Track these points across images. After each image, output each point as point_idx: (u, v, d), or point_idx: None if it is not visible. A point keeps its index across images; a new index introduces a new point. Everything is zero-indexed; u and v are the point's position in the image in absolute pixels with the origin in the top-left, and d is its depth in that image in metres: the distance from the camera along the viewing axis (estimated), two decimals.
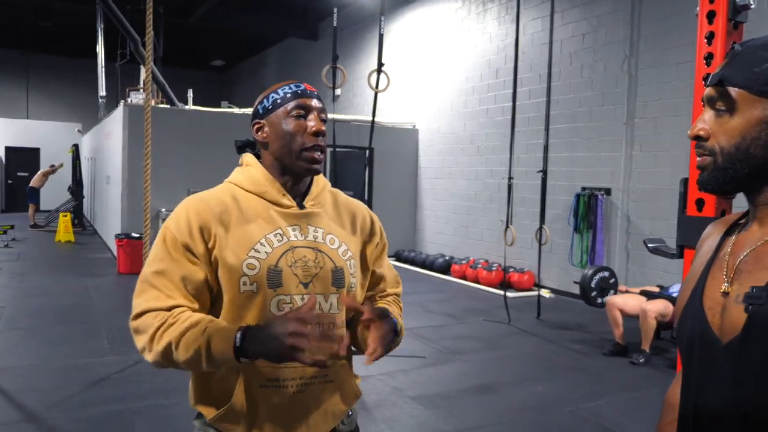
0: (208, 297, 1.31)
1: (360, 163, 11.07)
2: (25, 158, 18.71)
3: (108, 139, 11.51)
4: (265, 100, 1.40)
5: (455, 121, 10.26)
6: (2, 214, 17.52)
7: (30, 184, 14.56)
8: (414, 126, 11.34)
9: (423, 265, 10.12)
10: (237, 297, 1.28)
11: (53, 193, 16.27)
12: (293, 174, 1.38)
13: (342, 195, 1.53)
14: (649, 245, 3.60)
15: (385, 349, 1.30)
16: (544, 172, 6.81)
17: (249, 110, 10.42)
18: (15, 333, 5.46)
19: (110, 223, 10.89)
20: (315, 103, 1.39)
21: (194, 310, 1.28)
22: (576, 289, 6.35)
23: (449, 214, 10.44)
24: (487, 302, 7.53)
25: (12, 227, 11.84)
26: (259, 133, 1.40)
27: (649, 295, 5.30)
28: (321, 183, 1.47)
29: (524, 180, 8.59)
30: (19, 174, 18.55)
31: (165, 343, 1.22)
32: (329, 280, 1.34)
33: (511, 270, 8.53)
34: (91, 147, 15.41)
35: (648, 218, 7.03)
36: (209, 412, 1.32)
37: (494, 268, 8.64)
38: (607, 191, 7.51)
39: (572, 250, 7.83)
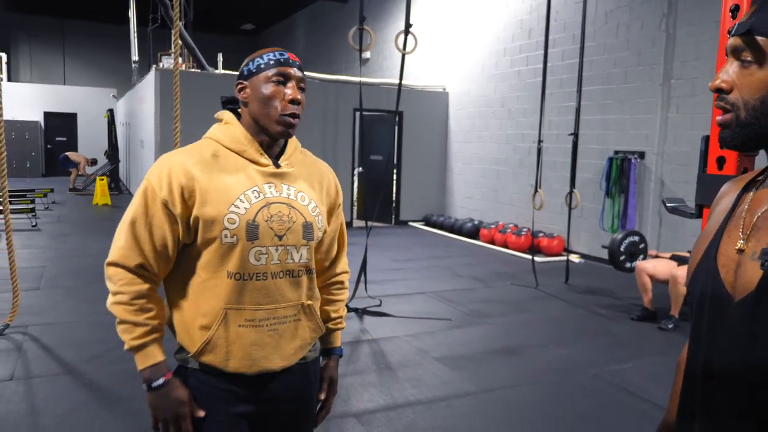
0: (174, 251, 1.44)
1: (389, 127, 11.02)
2: (62, 123, 19.11)
3: (141, 104, 11.67)
4: (250, 63, 1.49)
5: (486, 84, 10.09)
6: (42, 177, 18.01)
7: (66, 154, 14.83)
8: (444, 89, 11.20)
9: (452, 230, 10.12)
10: (219, 248, 1.40)
11: (93, 156, 16.60)
12: (269, 136, 1.49)
13: (310, 155, 1.65)
14: (668, 204, 3.52)
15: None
16: (576, 135, 6.69)
17: None
18: (55, 291, 5.67)
19: None
20: (295, 72, 1.47)
21: (153, 268, 1.43)
22: (606, 255, 6.30)
23: (478, 178, 10.37)
24: (515, 266, 7.52)
25: (51, 190, 12.17)
26: (242, 93, 1.50)
27: (680, 260, 5.22)
28: (294, 144, 1.59)
29: (555, 143, 8.45)
30: (57, 139, 18.98)
31: (114, 311, 1.43)
32: (300, 233, 1.47)
33: (541, 235, 8.48)
34: (125, 112, 15.64)
35: (682, 182, 6.87)
36: (192, 347, 1.45)
37: (523, 233, 8.59)
38: (641, 155, 7.35)
39: (603, 215, 7.72)
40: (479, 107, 10.30)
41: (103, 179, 12.80)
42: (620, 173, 7.54)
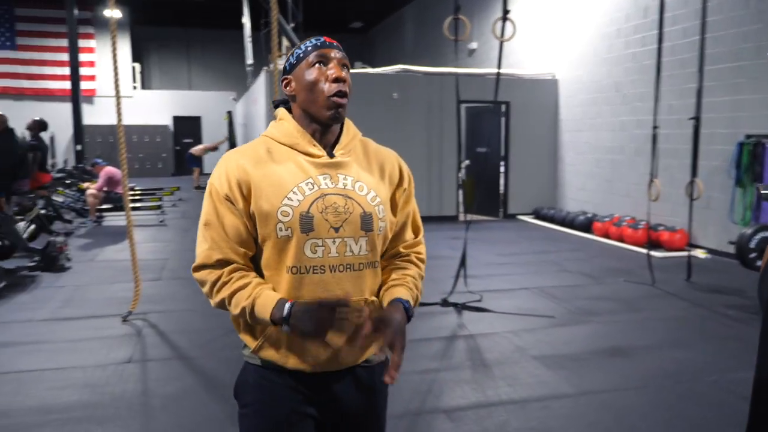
0: (252, 242, 1.44)
1: (496, 117, 10.76)
2: (188, 126, 20.53)
3: (255, 105, 12.24)
4: (291, 57, 1.49)
5: (598, 69, 9.56)
6: (172, 177, 19.44)
7: (190, 151, 15.94)
8: (553, 76, 10.74)
9: (563, 223, 9.71)
10: (276, 242, 1.40)
11: (215, 157, 17.72)
12: (320, 123, 1.46)
13: (372, 144, 1.59)
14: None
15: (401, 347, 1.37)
16: (697, 119, 6.14)
17: (383, 70, 10.51)
18: (175, 282, 6.08)
19: None
20: (335, 53, 1.46)
21: (239, 261, 1.43)
22: (734, 250, 5.76)
23: (592, 168, 9.86)
24: (630, 262, 7.07)
25: (178, 188, 13.10)
26: (287, 88, 1.50)
27: None
28: (351, 132, 1.54)
29: (677, 129, 7.84)
30: (184, 141, 20.42)
31: (220, 299, 1.41)
32: (358, 224, 1.43)
33: (661, 228, 7.90)
34: (243, 113, 16.49)
35: None
36: (252, 342, 1.46)
37: (641, 226, 8.06)
38: None
39: (733, 206, 7.06)
40: (591, 93, 9.78)
41: None
42: (752, 159, 6.85)
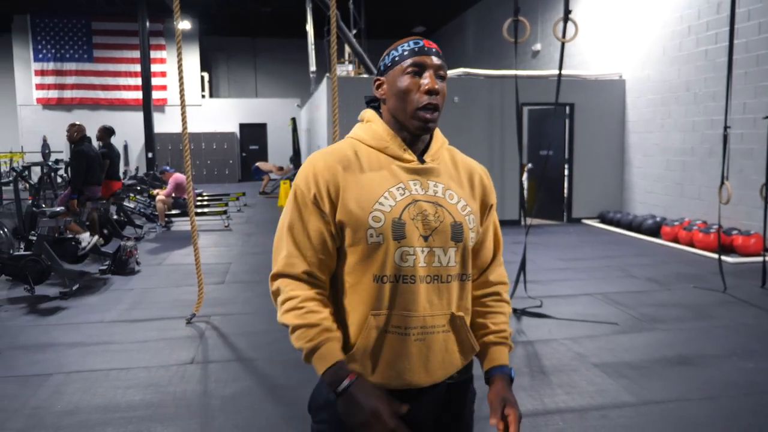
0: (335, 251, 1.38)
1: (560, 119, 10.53)
2: (254, 133, 21.10)
3: (317, 111, 12.46)
4: (386, 57, 1.43)
5: (668, 68, 9.20)
6: (238, 183, 20.01)
7: (257, 164, 16.36)
8: (620, 76, 10.41)
9: (629, 227, 9.39)
10: (365, 248, 1.33)
11: (280, 163, 18.16)
12: (408, 131, 1.41)
13: (458, 153, 1.53)
14: None
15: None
16: None
17: (448, 73, 10.46)
18: (237, 286, 6.26)
19: None
20: (432, 60, 1.38)
21: (319, 276, 1.39)
22: None
23: (661, 171, 9.48)
24: (700, 268, 6.75)
25: (244, 194, 13.47)
26: (379, 89, 1.44)
27: None
28: (440, 139, 1.48)
29: (752, 129, 7.45)
30: (250, 147, 20.98)
31: (285, 321, 1.36)
32: (448, 234, 1.36)
33: (735, 232, 7.52)
34: (307, 119, 16.82)
35: None
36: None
37: (713, 230, 7.68)
38: None
39: None
40: (661, 93, 9.42)
41: (287, 183, 13.87)
42: None
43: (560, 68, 5.32)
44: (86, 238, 6.58)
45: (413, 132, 1.39)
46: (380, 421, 1.25)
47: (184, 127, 5.02)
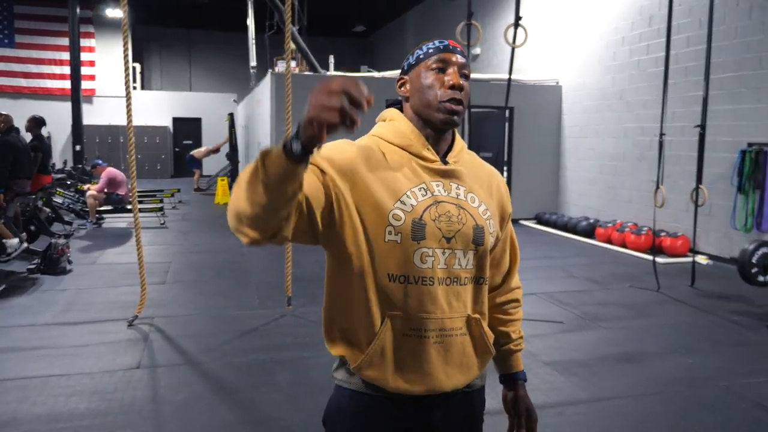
0: (312, 211, 1.22)
1: (499, 123, 10.77)
2: (189, 128, 20.49)
3: (258, 107, 12.22)
4: (411, 57, 1.43)
5: (603, 76, 9.58)
6: (171, 179, 19.38)
7: (192, 153, 15.89)
8: (557, 83, 10.77)
9: (565, 228, 9.71)
10: (382, 246, 1.29)
11: (214, 159, 17.70)
12: (433, 128, 1.37)
13: (477, 157, 1.51)
14: None
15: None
16: (702, 127, 6.15)
17: (387, 74, 10.49)
18: (179, 286, 6.05)
19: None
20: (457, 58, 1.37)
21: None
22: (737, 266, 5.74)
23: (595, 174, 9.87)
24: (634, 268, 7.07)
25: (178, 191, 13.05)
26: (402, 88, 1.43)
27: None
28: (461, 142, 1.47)
29: (680, 136, 7.86)
30: (184, 142, 20.36)
31: (235, 194, 1.16)
32: (470, 237, 1.34)
33: (663, 234, 7.91)
34: (244, 115, 16.47)
35: None
36: (354, 359, 1.34)
37: (643, 232, 8.06)
38: None
39: (735, 213, 7.07)
40: (595, 100, 9.80)
41: (224, 180, 13.54)
42: (755, 167, 6.87)
43: (510, 73, 5.43)
44: (14, 245, 6.20)
45: (438, 126, 1.36)
46: (321, 92, 0.99)
47: (129, 120, 4.81)
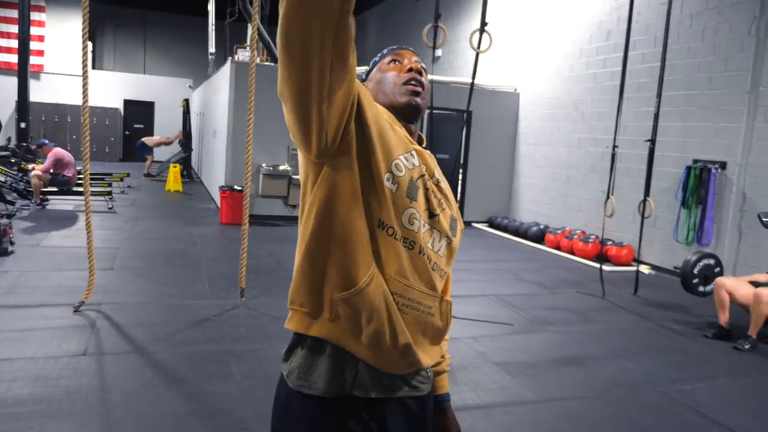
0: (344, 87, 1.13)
1: (457, 126, 10.89)
2: (141, 111, 19.92)
3: (216, 95, 12.00)
4: (369, 66, 1.47)
5: (559, 86, 9.83)
6: (120, 162, 18.82)
7: (143, 140, 15.47)
8: (515, 90, 10.98)
9: (516, 233, 9.92)
10: (380, 187, 1.22)
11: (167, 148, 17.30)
12: (400, 115, 1.35)
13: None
14: (765, 219, 3.31)
15: None
16: (653, 141, 6.41)
17: None
18: (128, 272, 5.90)
19: (215, 175, 11.43)
20: (410, 52, 1.42)
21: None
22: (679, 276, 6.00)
23: (547, 182, 10.11)
24: (581, 274, 7.29)
25: (128, 175, 12.69)
26: None
27: (759, 286, 4.90)
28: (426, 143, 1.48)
29: (630, 149, 8.14)
30: (135, 126, 19.79)
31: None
32: (448, 224, 1.33)
33: (609, 243, 8.19)
34: (200, 102, 16.13)
35: (767, 195, 6.49)
36: (320, 311, 1.25)
37: (591, 240, 8.33)
38: (723, 165, 6.97)
39: (678, 226, 7.38)
40: (552, 109, 10.04)
41: (176, 166, 13.25)
42: (698, 183, 7.19)
43: (473, 77, 5.52)
44: None
45: (404, 109, 1.34)
46: None
47: (85, 99, 4.66)
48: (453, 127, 10.95)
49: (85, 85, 4.60)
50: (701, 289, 5.64)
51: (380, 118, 1.26)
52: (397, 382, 1.30)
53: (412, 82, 1.35)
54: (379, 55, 1.45)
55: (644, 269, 7.62)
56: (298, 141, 1.19)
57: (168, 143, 15.54)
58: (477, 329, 4.80)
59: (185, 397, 3.31)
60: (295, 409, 1.28)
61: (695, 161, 7.30)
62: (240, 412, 3.17)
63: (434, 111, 10.97)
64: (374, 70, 1.43)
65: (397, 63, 1.39)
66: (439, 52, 13.81)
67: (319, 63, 1.07)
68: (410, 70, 1.37)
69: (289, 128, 1.19)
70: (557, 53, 9.89)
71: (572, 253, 8.53)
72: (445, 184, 1.41)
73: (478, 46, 5.36)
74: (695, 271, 5.62)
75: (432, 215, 1.30)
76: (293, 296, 1.29)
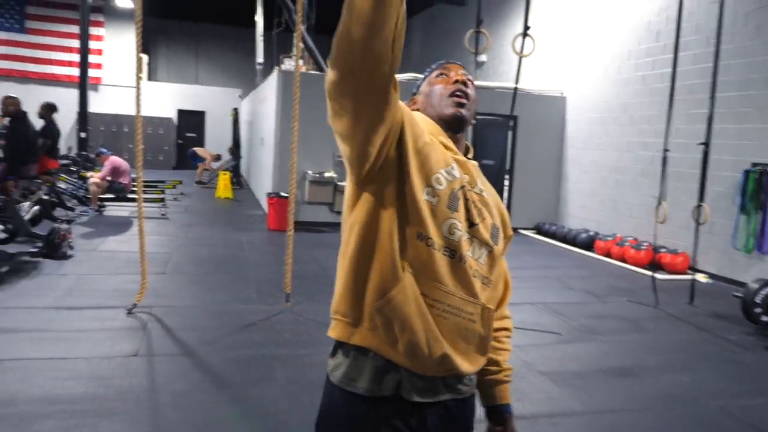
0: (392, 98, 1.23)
1: (502, 131, 10.80)
2: (192, 121, 20.48)
3: (263, 104, 12.23)
4: (419, 81, 1.56)
5: (607, 89, 9.62)
6: (173, 170, 19.38)
7: (193, 149, 15.92)
8: (562, 94, 10.80)
9: (564, 240, 9.74)
10: (419, 200, 1.28)
11: (218, 152, 17.74)
12: (446, 126, 1.43)
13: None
14: None
15: None
16: (707, 144, 6.19)
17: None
18: (179, 277, 6.06)
19: (263, 182, 11.64)
20: (457, 66, 1.50)
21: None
22: (740, 276, 5.77)
23: (596, 186, 9.89)
24: (632, 282, 7.09)
25: (180, 182, 13.05)
26: (414, 105, 1.52)
27: None
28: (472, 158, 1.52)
29: (683, 153, 7.88)
30: (187, 135, 20.36)
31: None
32: (489, 232, 1.37)
33: (663, 250, 7.94)
34: (249, 111, 16.48)
35: None
36: (359, 318, 1.31)
37: (643, 247, 8.09)
38: None
39: (736, 233, 7.10)
40: (600, 113, 9.83)
41: (225, 174, 13.55)
42: (758, 187, 6.90)
43: (517, 81, 5.47)
44: (25, 208, 6.21)
45: (450, 120, 1.42)
46: None
47: (138, 109, 4.84)
48: (498, 132, 10.85)
49: (138, 96, 4.77)
50: (765, 318, 5.28)
51: (421, 138, 1.32)
52: (438, 386, 1.35)
53: (458, 93, 1.43)
54: (428, 69, 1.54)
55: (700, 278, 7.35)
56: (348, 165, 1.31)
57: (215, 159, 16.00)
58: (523, 338, 4.72)
59: (231, 400, 3.36)
60: (338, 405, 1.35)
61: (754, 165, 7.01)
62: (284, 416, 3.20)
63: (478, 117, 10.92)
64: (424, 83, 1.52)
65: (444, 76, 1.47)
66: (483, 57, 13.72)
67: (369, 104, 1.20)
68: (456, 81, 1.45)
69: (343, 154, 1.30)
70: (604, 55, 9.68)
71: (623, 260, 8.31)
72: (489, 192, 1.45)
73: (521, 51, 5.30)
74: (758, 300, 5.29)
75: (472, 224, 1.35)
76: (336, 307, 1.36)
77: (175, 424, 3.06)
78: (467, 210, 1.34)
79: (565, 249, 9.33)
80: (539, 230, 10.61)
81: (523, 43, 5.51)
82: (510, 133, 10.81)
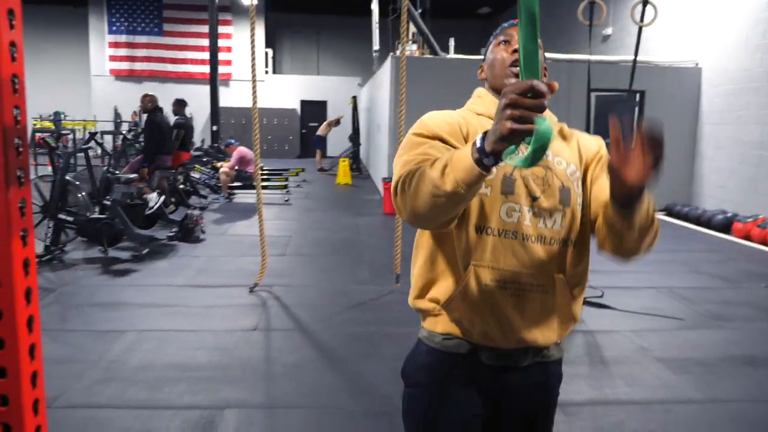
0: None
1: (628, 107, 10.20)
2: (315, 110, 21.29)
3: (379, 90, 12.46)
4: (484, 49, 1.54)
5: (749, 57, 8.76)
6: (297, 159, 20.30)
7: (317, 133, 16.58)
8: (696, 64, 9.99)
9: (698, 222, 9.06)
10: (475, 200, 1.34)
11: (337, 141, 18.35)
12: None
13: (566, 127, 1.52)
14: None
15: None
16: None
17: None
18: (298, 258, 6.39)
19: (379, 167, 11.88)
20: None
21: None
22: None
23: (734, 164, 9.09)
24: None
25: (303, 170, 13.66)
26: (481, 74, 1.54)
27: None
28: (546, 113, 1.47)
29: None
30: (310, 124, 21.21)
31: (414, 185, 1.18)
32: (557, 197, 1.37)
33: None
34: (367, 98, 16.85)
35: None
36: (432, 309, 1.42)
37: None
38: None
39: None
40: (739, 83, 8.99)
41: (345, 161, 13.99)
42: None
43: (636, 53, 5.16)
44: (153, 198, 6.83)
45: None
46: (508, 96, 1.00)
47: (255, 102, 5.12)
48: (623, 109, 10.26)
49: (254, 89, 5.07)
50: None
51: (471, 136, 1.36)
52: (521, 356, 1.42)
53: (515, 64, 1.40)
54: (494, 34, 1.49)
55: None
56: None
57: (336, 122, 16.49)
58: (640, 322, 4.50)
59: (339, 374, 3.53)
60: (421, 352, 1.48)
61: None
62: (387, 389, 3.31)
63: (599, 93, 10.39)
64: (489, 50, 1.49)
65: (506, 44, 1.44)
66: (609, 30, 13.00)
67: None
68: (515, 51, 1.40)
69: None
70: (745, 20, 8.82)
71: (765, 243, 7.59)
72: (566, 151, 1.43)
73: (641, 20, 4.98)
74: None
75: (534, 198, 1.35)
76: (413, 302, 1.49)
77: (287, 393, 3.28)
78: (526, 186, 1.34)
79: (698, 231, 8.68)
80: (670, 212, 9.95)
81: (643, 11, 5.18)
82: (636, 109, 10.19)
